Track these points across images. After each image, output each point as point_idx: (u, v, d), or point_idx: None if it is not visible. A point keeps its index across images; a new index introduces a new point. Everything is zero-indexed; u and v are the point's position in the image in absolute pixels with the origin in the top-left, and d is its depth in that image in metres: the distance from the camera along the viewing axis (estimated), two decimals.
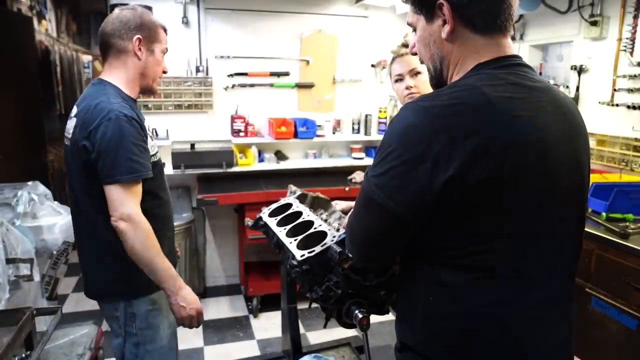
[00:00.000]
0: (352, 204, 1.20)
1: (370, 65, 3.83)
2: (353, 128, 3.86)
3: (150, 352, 1.61)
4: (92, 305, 3.34)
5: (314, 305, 1.33)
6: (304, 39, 3.63)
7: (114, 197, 1.41)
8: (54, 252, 2.23)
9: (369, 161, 3.68)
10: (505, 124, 0.81)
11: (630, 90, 2.67)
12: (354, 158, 3.80)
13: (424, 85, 1.67)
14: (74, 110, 1.52)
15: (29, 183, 2.23)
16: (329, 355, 2.35)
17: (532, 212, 0.85)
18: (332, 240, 1.26)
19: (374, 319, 1.27)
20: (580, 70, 2.97)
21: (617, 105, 2.73)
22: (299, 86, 3.68)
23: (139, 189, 1.46)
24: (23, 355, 1.38)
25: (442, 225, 0.84)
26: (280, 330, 2.25)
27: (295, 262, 1.27)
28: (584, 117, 0.99)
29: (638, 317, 1.95)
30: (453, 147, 0.78)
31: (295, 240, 1.37)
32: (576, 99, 2.96)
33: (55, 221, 2.13)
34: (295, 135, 3.54)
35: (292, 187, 1.81)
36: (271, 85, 3.62)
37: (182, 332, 2.37)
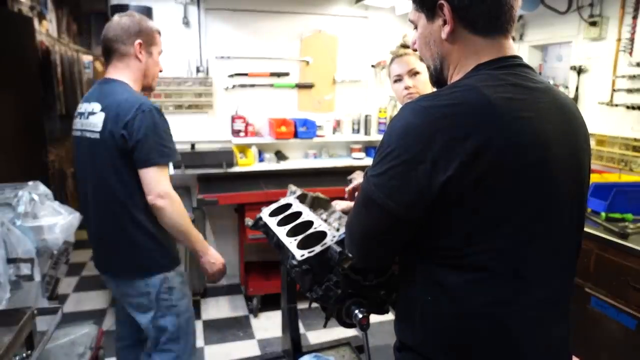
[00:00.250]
0: (352, 204, 1.21)
1: (370, 65, 3.83)
2: (353, 128, 3.86)
3: (187, 320, 1.82)
4: (93, 305, 3.37)
5: (314, 305, 1.33)
6: (304, 40, 3.64)
7: (150, 178, 1.60)
8: (55, 252, 2.23)
9: (369, 161, 3.68)
10: (505, 125, 0.81)
11: (629, 91, 2.67)
12: (354, 158, 3.81)
13: (423, 85, 1.68)
14: (96, 106, 1.65)
15: (30, 183, 2.23)
16: (329, 355, 2.36)
17: (531, 213, 0.86)
18: (332, 240, 1.27)
19: (374, 318, 1.27)
20: (579, 71, 2.97)
21: (617, 105, 2.74)
22: (299, 86, 3.69)
23: (168, 171, 1.68)
24: (24, 354, 1.38)
25: (440, 226, 0.85)
26: (280, 330, 2.26)
27: (295, 262, 1.27)
28: (584, 117, 0.99)
29: (637, 317, 1.95)
30: (452, 147, 0.78)
31: (295, 240, 1.38)
32: (575, 99, 2.96)
33: (56, 221, 2.13)
34: (295, 135, 3.54)
35: (292, 187, 1.81)
36: (271, 85, 3.63)
37: None
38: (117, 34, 1.68)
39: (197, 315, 3.11)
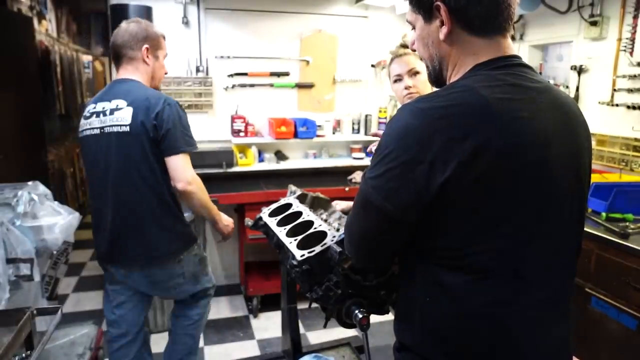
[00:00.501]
0: (352, 204, 1.20)
1: (370, 65, 3.83)
2: (353, 128, 3.86)
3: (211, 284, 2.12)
4: (92, 305, 3.37)
5: (314, 305, 1.33)
6: (304, 39, 3.63)
7: (179, 165, 1.77)
8: (54, 252, 2.23)
9: (369, 161, 3.67)
10: (503, 125, 0.81)
11: (630, 90, 2.67)
12: (354, 158, 3.81)
13: (423, 85, 1.68)
14: (121, 102, 1.77)
15: (29, 183, 2.23)
16: (329, 355, 2.36)
17: (530, 213, 0.85)
18: (332, 240, 1.27)
19: (374, 319, 1.27)
20: (580, 71, 2.97)
21: (617, 105, 2.74)
22: (299, 86, 3.68)
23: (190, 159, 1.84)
24: (23, 355, 1.38)
25: (439, 226, 0.85)
26: (280, 330, 2.25)
27: (295, 262, 1.27)
28: (585, 117, 0.98)
29: (638, 317, 1.95)
30: (450, 148, 0.78)
31: (295, 240, 1.37)
32: (576, 99, 2.96)
33: (56, 221, 2.13)
34: (295, 135, 3.54)
35: (292, 187, 1.81)
36: (271, 85, 3.63)
37: None
38: (125, 40, 1.81)
39: None
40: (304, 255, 1.26)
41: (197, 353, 2.19)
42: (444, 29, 0.89)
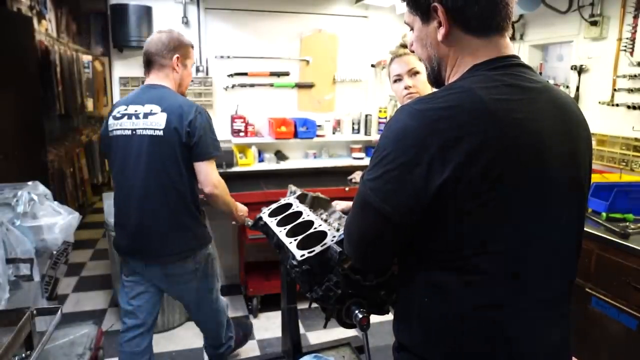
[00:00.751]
0: (352, 204, 1.20)
1: (370, 65, 3.83)
2: (353, 128, 3.85)
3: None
4: (92, 305, 3.37)
5: (314, 305, 1.33)
6: (304, 39, 3.63)
7: (208, 171, 1.89)
8: (54, 252, 2.23)
9: (368, 161, 3.67)
10: (500, 126, 0.81)
11: (630, 90, 2.67)
12: (354, 158, 3.80)
13: (423, 85, 1.68)
14: (155, 107, 1.86)
15: (29, 183, 2.23)
16: (329, 355, 2.36)
17: (528, 214, 0.85)
18: (332, 240, 1.27)
19: (374, 319, 1.27)
20: (580, 70, 2.97)
21: (617, 105, 2.74)
22: (299, 86, 3.68)
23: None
24: (23, 355, 1.38)
25: (437, 228, 0.84)
26: (280, 330, 2.25)
27: (295, 262, 1.27)
28: (585, 117, 0.98)
29: (638, 317, 1.95)
30: (448, 149, 0.78)
31: (295, 240, 1.37)
32: (576, 99, 2.96)
33: (55, 221, 2.13)
34: (295, 135, 3.54)
35: (292, 187, 1.81)
36: (271, 85, 3.62)
37: (181, 332, 2.38)
38: (158, 48, 1.92)
39: None
40: (304, 255, 1.26)
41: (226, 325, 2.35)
42: (442, 30, 0.88)
